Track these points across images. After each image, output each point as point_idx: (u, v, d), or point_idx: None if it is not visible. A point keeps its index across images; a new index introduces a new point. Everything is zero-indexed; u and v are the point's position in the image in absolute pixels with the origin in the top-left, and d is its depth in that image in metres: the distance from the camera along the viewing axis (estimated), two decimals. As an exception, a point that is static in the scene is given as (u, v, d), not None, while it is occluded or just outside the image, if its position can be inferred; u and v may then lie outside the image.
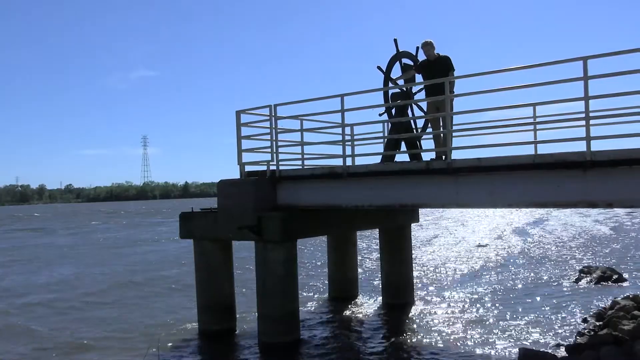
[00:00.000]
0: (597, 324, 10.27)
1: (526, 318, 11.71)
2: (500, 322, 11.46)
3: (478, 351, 9.59)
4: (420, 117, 10.70)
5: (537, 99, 8.32)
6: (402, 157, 10.78)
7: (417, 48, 10.74)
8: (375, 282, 16.06)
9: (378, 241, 14.18)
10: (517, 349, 9.23)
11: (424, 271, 18.79)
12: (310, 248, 26.45)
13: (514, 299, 13.89)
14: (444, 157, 8.69)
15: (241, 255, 18.52)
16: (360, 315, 12.57)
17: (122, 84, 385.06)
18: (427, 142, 11.34)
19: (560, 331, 10.57)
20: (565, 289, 15.04)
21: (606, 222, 39.00)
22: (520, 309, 12.61)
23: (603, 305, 11.91)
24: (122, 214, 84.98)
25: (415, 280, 14.56)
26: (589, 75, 6.88)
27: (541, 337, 10.26)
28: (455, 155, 8.59)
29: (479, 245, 26.62)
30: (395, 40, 10.68)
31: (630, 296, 11.33)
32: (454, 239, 30.46)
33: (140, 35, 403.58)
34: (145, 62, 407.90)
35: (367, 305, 13.44)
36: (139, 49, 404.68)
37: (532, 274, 17.62)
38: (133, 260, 24.98)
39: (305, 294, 14.93)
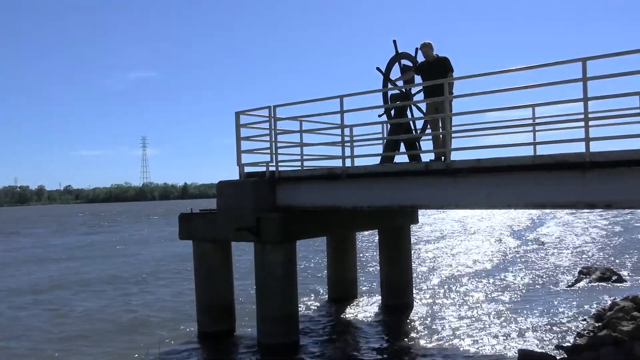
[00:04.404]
0: (597, 324, 10.26)
1: (525, 319, 11.71)
2: (500, 323, 11.46)
3: (477, 352, 9.59)
4: (420, 118, 10.71)
5: (537, 100, 8.32)
6: (401, 158, 10.79)
7: (416, 49, 10.75)
8: (374, 283, 16.04)
9: (377, 242, 14.16)
10: (516, 350, 9.23)
11: (423, 272, 18.79)
12: (310, 249, 26.42)
13: (513, 299, 13.89)
14: (443, 158, 8.69)
15: (241, 257, 18.50)
16: (360, 317, 12.56)
17: (120, 84, 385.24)
18: (426, 143, 11.36)
19: (559, 332, 10.57)
20: (564, 289, 15.04)
21: (605, 222, 39.00)
22: (519, 310, 12.60)
23: (602, 306, 11.90)
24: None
25: (414, 281, 14.55)
26: (588, 76, 6.88)
27: (540, 338, 10.25)
28: (454, 156, 8.59)
29: (478, 246, 26.62)
30: (394, 41, 10.70)
31: (630, 297, 11.31)
32: (453, 240, 30.46)
33: (138, 36, 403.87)
34: (143, 62, 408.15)
35: (366, 307, 13.43)
36: (136, 50, 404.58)
37: (531, 275, 17.61)
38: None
39: (304, 295, 14.91)
